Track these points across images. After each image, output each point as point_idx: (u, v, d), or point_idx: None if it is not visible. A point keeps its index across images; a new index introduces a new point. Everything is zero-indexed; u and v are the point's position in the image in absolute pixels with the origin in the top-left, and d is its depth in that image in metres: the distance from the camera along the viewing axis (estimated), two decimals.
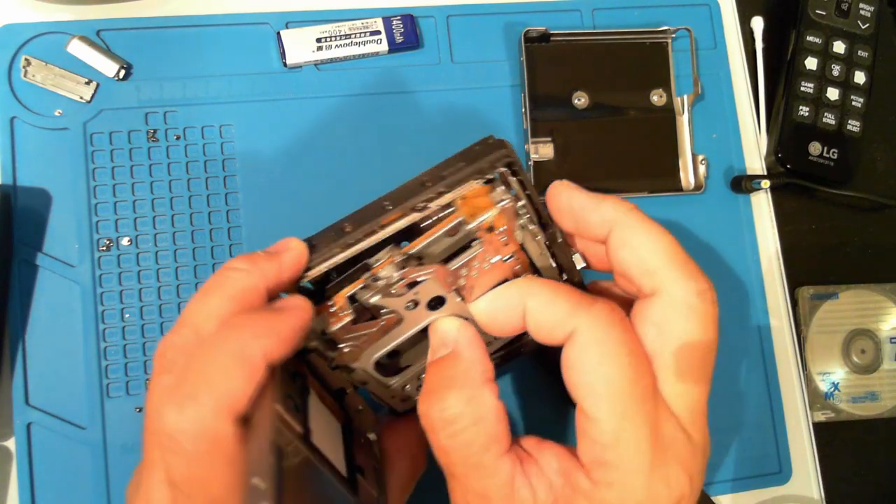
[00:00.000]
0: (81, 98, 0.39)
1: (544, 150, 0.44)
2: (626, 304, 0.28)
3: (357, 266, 0.27)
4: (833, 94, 0.47)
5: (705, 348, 0.25)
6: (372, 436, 0.31)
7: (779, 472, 0.43)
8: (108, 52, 0.40)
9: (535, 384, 0.41)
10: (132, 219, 0.39)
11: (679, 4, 0.47)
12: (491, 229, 0.26)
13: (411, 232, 0.28)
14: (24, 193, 0.39)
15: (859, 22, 0.47)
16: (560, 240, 0.28)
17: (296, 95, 0.42)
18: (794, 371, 0.45)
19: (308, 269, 0.27)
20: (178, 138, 0.40)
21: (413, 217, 0.26)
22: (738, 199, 0.46)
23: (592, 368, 0.24)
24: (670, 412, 0.25)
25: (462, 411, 0.25)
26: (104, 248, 0.39)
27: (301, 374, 0.27)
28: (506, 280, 0.27)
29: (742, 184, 0.45)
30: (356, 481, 0.27)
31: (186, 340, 0.24)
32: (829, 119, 0.46)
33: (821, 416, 0.45)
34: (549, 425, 0.41)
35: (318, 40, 0.42)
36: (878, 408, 0.46)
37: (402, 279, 0.26)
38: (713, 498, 0.41)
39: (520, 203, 0.26)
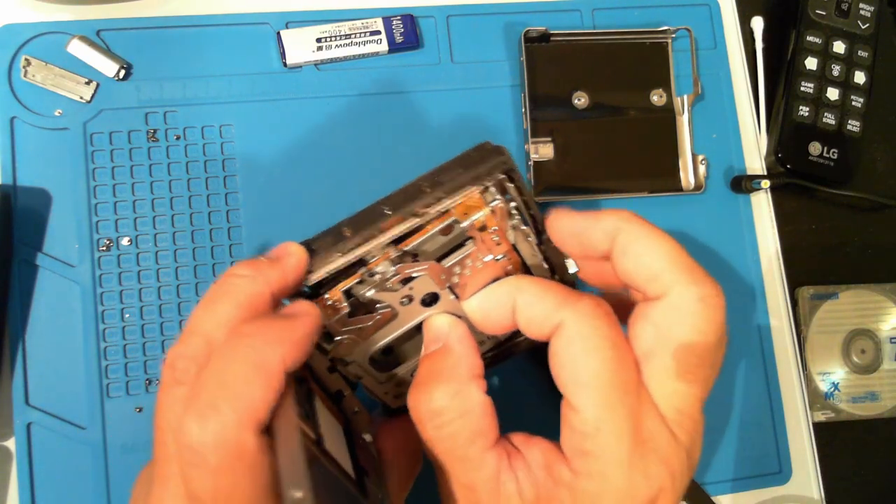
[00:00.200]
0: (81, 98, 0.39)
1: (544, 150, 0.44)
2: (623, 308, 0.28)
3: (353, 261, 0.27)
4: (833, 94, 0.47)
5: (703, 351, 0.25)
6: (368, 437, 0.31)
7: (779, 472, 0.43)
8: (108, 52, 0.40)
9: (527, 383, 0.41)
10: (132, 219, 0.39)
11: (679, 4, 0.47)
12: (483, 228, 0.26)
13: (408, 232, 0.28)
14: (24, 193, 0.39)
15: (859, 22, 0.47)
16: (554, 244, 0.29)
17: (296, 95, 0.42)
18: (794, 371, 0.45)
19: (309, 272, 0.27)
20: (178, 138, 0.40)
21: (412, 223, 0.26)
22: (738, 199, 0.46)
23: (576, 359, 0.25)
24: (656, 409, 0.25)
25: (448, 404, 0.26)
26: (104, 248, 0.39)
27: (305, 380, 0.27)
28: (498, 279, 0.28)
29: (742, 184, 0.45)
30: (364, 484, 0.28)
31: (197, 350, 0.24)
32: (829, 119, 0.46)
33: (821, 416, 0.45)
34: (541, 423, 0.41)
35: (318, 40, 0.42)
36: (878, 408, 0.46)
37: (396, 274, 0.27)
38: (713, 498, 0.41)
39: (512, 205, 0.27)
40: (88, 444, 0.37)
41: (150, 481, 0.25)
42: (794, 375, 0.45)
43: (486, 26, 0.45)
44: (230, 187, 0.40)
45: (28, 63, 0.39)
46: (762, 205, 0.46)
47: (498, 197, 0.26)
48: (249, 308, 0.25)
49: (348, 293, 0.27)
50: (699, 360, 0.25)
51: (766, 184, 0.44)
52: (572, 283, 0.30)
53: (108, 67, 0.39)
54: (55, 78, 0.39)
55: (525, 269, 0.29)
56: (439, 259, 0.27)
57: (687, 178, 0.45)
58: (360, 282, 0.27)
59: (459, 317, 0.28)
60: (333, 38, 0.42)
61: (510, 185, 0.27)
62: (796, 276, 0.46)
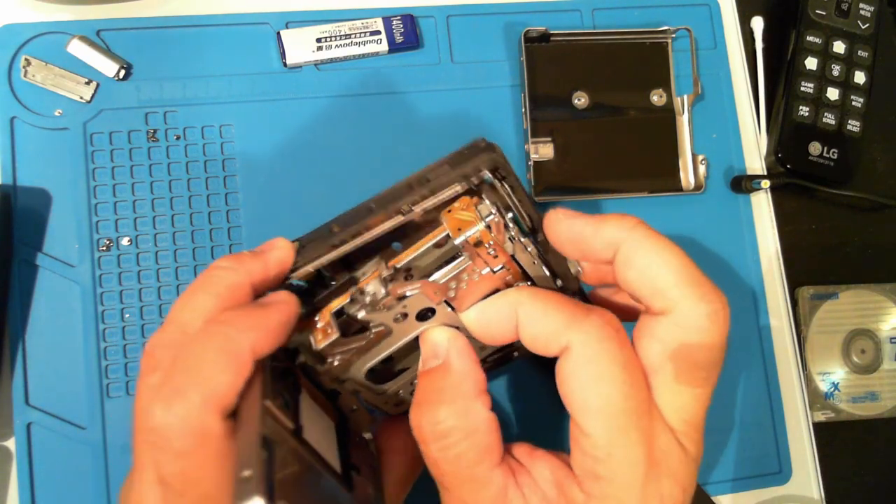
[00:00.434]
0: (81, 98, 0.39)
1: (544, 150, 0.44)
2: (629, 311, 0.28)
3: (344, 280, 0.27)
4: (833, 94, 0.47)
5: (710, 365, 0.25)
6: (367, 435, 0.31)
7: (779, 472, 0.43)
8: (108, 52, 0.40)
9: (528, 384, 0.41)
10: (132, 219, 0.39)
11: (679, 4, 0.47)
12: (479, 244, 0.25)
13: (403, 233, 0.28)
14: (24, 193, 0.39)
15: (859, 22, 0.47)
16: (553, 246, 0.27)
17: (296, 95, 0.42)
18: (794, 371, 0.45)
19: (295, 268, 0.27)
20: (178, 138, 0.40)
21: (398, 220, 0.26)
22: (738, 199, 0.46)
23: (586, 384, 0.24)
24: (666, 424, 0.25)
25: (454, 425, 0.25)
26: (104, 248, 0.39)
27: (292, 373, 0.27)
28: (497, 290, 0.27)
29: (742, 184, 0.45)
30: (351, 478, 0.27)
31: (173, 338, 0.24)
32: (829, 119, 0.46)
33: (821, 416, 0.45)
34: (542, 426, 0.41)
35: (318, 40, 0.42)
36: (878, 408, 0.46)
37: (388, 295, 0.26)
38: (713, 498, 0.41)
39: (508, 216, 0.26)
40: (88, 444, 0.37)
41: (132, 472, 0.25)
42: (794, 375, 0.45)
43: (486, 26, 0.45)
44: (230, 187, 0.40)
45: (28, 63, 0.39)
46: (762, 205, 0.46)
47: (493, 211, 0.25)
48: (228, 298, 0.25)
49: (340, 312, 0.27)
50: (706, 373, 0.25)
51: (766, 184, 0.44)
52: (579, 290, 0.29)
53: (108, 67, 0.39)
54: (55, 78, 0.39)
55: (526, 278, 0.28)
56: (434, 270, 0.26)
57: (687, 178, 0.45)
58: (352, 301, 0.26)
59: (457, 327, 0.27)
60: (333, 38, 0.42)
61: (499, 184, 0.26)
62: (796, 276, 0.46)
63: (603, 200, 0.44)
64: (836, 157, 0.46)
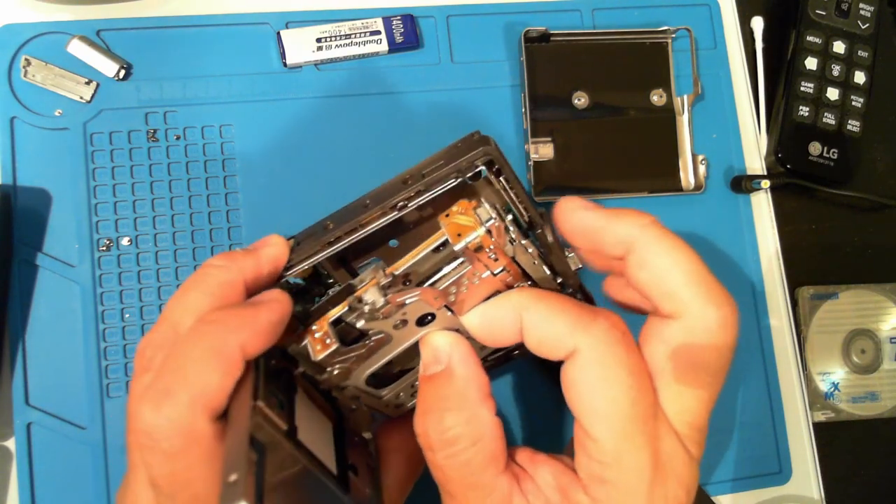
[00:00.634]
0: (81, 98, 0.39)
1: (544, 150, 0.44)
2: (636, 307, 0.28)
3: (341, 287, 0.27)
4: (833, 94, 0.47)
5: (716, 370, 0.25)
6: (367, 435, 0.31)
7: (779, 472, 0.43)
8: (108, 52, 0.40)
9: (528, 384, 0.41)
10: (132, 219, 0.39)
11: (679, 4, 0.47)
12: (479, 249, 0.25)
13: (400, 229, 0.27)
14: (24, 193, 0.39)
15: (859, 22, 0.47)
16: (551, 240, 0.27)
17: (296, 95, 0.42)
18: (794, 371, 0.45)
19: (289, 266, 0.26)
20: (178, 138, 0.40)
21: (392, 216, 0.25)
22: (738, 199, 0.46)
23: (593, 389, 0.24)
24: (670, 427, 0.25)
25: (461, 432, 0.25)
26: (104, 248, 0.39)
27: (287, 372, 0.27)
28: (497, 291, 0.26)
29: (742, 184, 0.45)
30: (347, 480, 0.27)
31: (165, 337, 0.24)
32: (829, 119, 0.46)
33: (821, 416, 0.45)
34: (541, 426, 0.41)
35: (318, 40, 0.42)
36: (878, 408, 0.46)
37: (387, 304, 0.25)
38: (713, 498, 0.41)
39: (508, 218, 0.25)
40: (88, 444, 0.37)
41: (127, 473, 0.25)
42: (794, 375, 0.45)
43: (486, 26, 0.45)
44: (230, 187, 0.40)
45: (28, 63, 0.39)
46: (762, 205, 0.46)
47: (493, 216, 0.25)
48: (220, 297, 0.25)
49: (338, 322, 0.26)
50: (712, 377, 0.25)
51: (766, 184, 0.44)
52: (579, 287, 0.29)
53: (108, 67, 0.39)
54: (55, 78, 0.39)
55: (527, 277, 0.27)
56: (433, 274, 0.26)
57: (687, 178, 0.45)
58: (350, 309, 0.26)
59: (457, 330, 0.27)
60: (333, 38, 0.42)
61: (494, 178, 0.25)
62: (796, 276, 0.46)
63: (603, 200, 0.44)
64: (836, 157, 0.46)
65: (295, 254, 0.26)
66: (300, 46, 0.41)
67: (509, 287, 0.27)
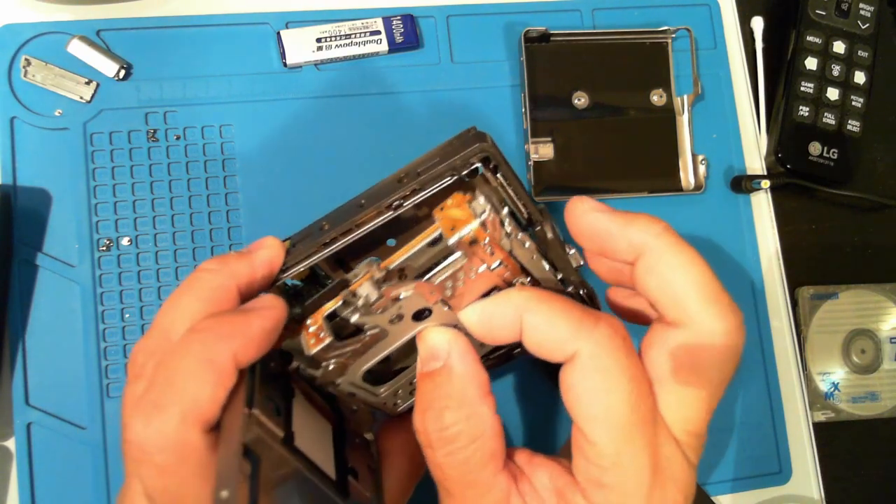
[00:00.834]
0: (81, 98, 0.39)
1: (544, 150, 0.44)
2: (641, 317, 0.28)
3: (336, 281, 0.26)
4: (833, 94, 0.47)
5: (718, 381, 0.25)
6: (369, 436, 0.30)
7: (779, 472, 0.43)
8: (108, 52, 0.40)
9: (527, 384, 0.41)
10: (132, 219, 0.39)
11: (679, 4, 0.47)
12: (474, 242, 0.25)
13: (397, 228, 0.27)
14: (24, 193, 0.39)
15: (859, 22, 0.47)
16: (551, 236, 0.26)
17: (296, 95, 0.42)
18: (794, 371, 0.45)
19: (285, 267, 0.26)
20: (178, 138, 0.40)
21: (388, 215, 0.25)
22: (738, 199, 0.46)
23: (594, 394, 0.24)
24: (670, 434, 0.25)
25: (461, 430, 0.24)
26: (104, 248, 0.39)
27: (285, 375, 0.26)
28: (496, 287, 0.26)
29: (742, 184, 0.45)
30: (347, 484, 0.27)
31: (157, 344, 0.24)
32: (829, 119, 0.46)
33: (821, 416, 0.45)
34: (540, 426, 0.41)
35: (318, 40, 0.42)
36: (878, 408, 0.46)
37: (381, 297, 0.25)
38: (713, 498, 0.41)
39: (504, 211, 0.25)
40: (88, 444, 0.37)
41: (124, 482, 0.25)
42: (794, 375, 0.45)
43: (486, 26, 0.45)
44: (230, 187, 0.40)
45: (28, 63, 0.39)
46: (762, 205, 0.46)
47: (486, 208, 0.24)
48: (212, 302, 0.24)
49: (332, 316, 0.26)
50: (714, 387, 0.25)
51: (766, 184, 0.44)
52: (581, 283, 0.28)
53: (108, 67, 0.39)
54: (55, 78, 0.39)
55: (526, 273, 0.27)
56: (429, 269, 0.26)
57: (687, 178, 0.45)
58: (344, 303, 0.26)
59: (455, 326, 0.26)
60: (333, 38, 0.42)
61: (491, 175, 0.25)
62: (796, 276, 0.46)
63: (603, 201, 0.44)
64: (836, 157, 0.46)
65: (291, 255, 0.26)
66: (300, 46, 0.41)
67: (507, 282, 0.26)
